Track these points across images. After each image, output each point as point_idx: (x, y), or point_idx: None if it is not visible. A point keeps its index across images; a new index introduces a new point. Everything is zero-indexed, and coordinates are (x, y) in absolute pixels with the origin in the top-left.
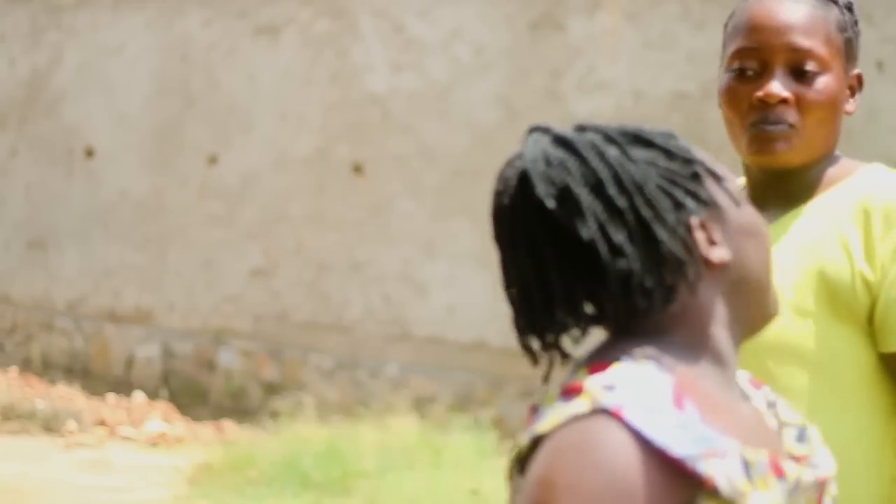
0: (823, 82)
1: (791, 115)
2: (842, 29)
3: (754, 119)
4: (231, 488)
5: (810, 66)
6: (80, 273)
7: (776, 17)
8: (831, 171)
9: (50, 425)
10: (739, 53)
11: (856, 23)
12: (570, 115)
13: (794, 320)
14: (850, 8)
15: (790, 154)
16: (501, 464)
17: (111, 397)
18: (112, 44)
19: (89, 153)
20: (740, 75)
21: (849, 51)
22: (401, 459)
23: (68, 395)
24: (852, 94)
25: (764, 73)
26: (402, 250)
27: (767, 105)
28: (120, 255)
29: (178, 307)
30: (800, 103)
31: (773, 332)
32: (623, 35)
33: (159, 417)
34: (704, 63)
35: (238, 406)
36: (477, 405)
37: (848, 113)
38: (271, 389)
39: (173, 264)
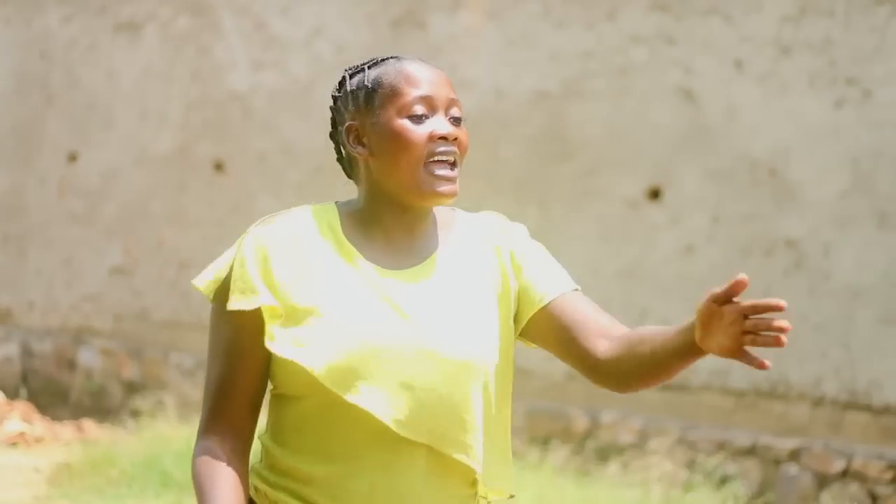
0: (464, 133)
1: (456, 151)
2: None
3: (430, 157)
4: (91, 488)
5: (459, 113)
6: None
7: (432, 73)
8: (438, 210)
9: None
10: (413, 101)
11: None
12: None
13: (484, 338)
14: None
15: (456, 192)
16: None
17: None
18: None
19: None
20: (413, 118)
21: None
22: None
23: None
24: None
25: (433, 118)
26: None
27: (444, 141)
28: None
29: (37, 306)
30: (459, 144)
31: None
32: (484, 34)
33: (18, 417)
34: (565, 62)
35: (98, 405)
36: None
37: None
38: (132, 388)
39: (33, 263)
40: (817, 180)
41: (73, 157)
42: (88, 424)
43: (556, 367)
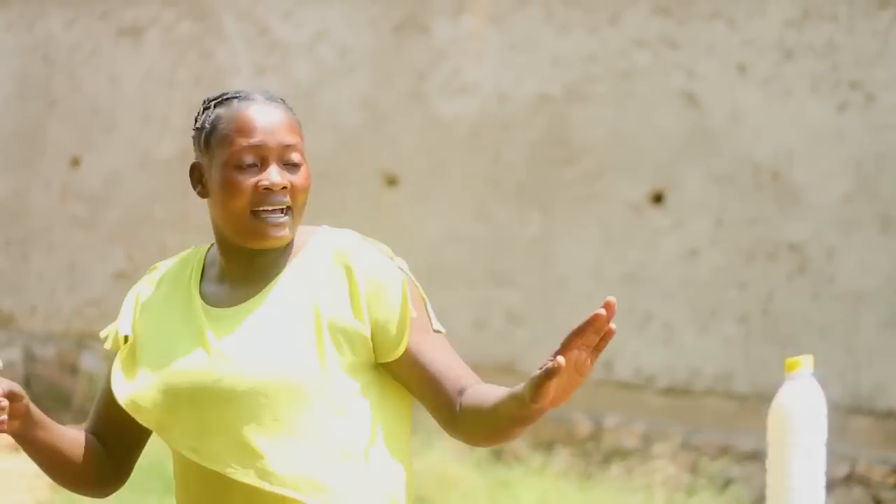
0: (304, 174)
1: (287, 201)
2: (299, 127)
3: (256, 207)
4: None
5: (296, 159)
6: None
7: (268, 119)
8: (295, 241)
9: None
10: (241, 151)
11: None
12: (434, 117)
13: (313, 376)
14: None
15: (287, 236)
16: None
17: None
18: None
19: None
20: (241, 169)
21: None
22: None
23: None
24: None
25: (262, 166)
26: None
27: (270, 192)
28: None
29: (40, 310)
30: (293, 190)
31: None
32: (487, 38)
33: None
34: (568, 66)
35: None
36: None
37: None
38: None
39: (36, 267)
40: (821, 184)
41: (75, 162)
42: None
43: None
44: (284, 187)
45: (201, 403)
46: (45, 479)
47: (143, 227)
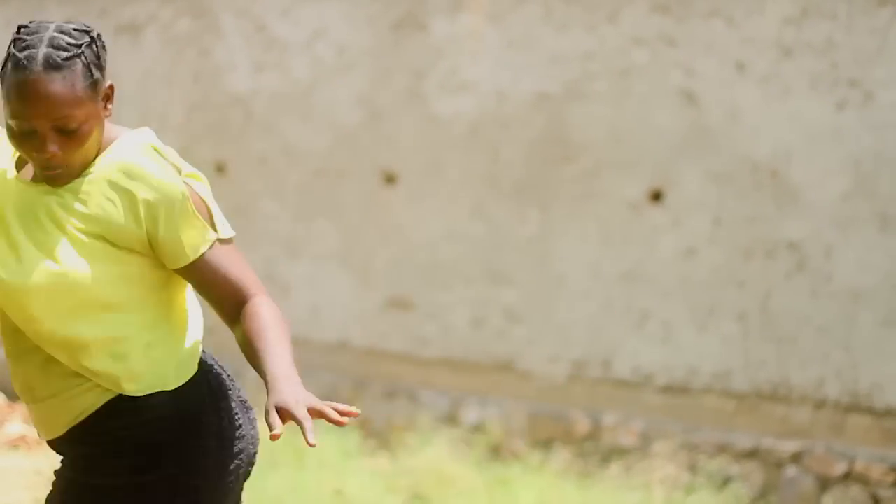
0: (82, 131)
1: (60, 161)
2: (87, 74)
3: (37, 164)
4: None
5: (72, 126)
6: None
7: (37, 97)
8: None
9: None
10: (17, 123)
11: (103, 46)
12: (433, 115)
13: (97, 283)
14: (95, 40)
15: (65, 179)
16: (366, 464)
17: None
18: None
19: None
20: (21, 133)
21: (97, 85)
22: (265, 460)
23: None
24: (109, 102)
25: (37, 135)
26: (265, 250)
27: (44, 157)
28: None
29: None
30: (66, 150)
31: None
32: (485, 36)
33: (20, 420)
34: (567, 64)
35: None
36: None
37: (107, 117)
38: None
39: None
40: (819, 182)
41: None
42: None
43: (558, 369)
44: (56, 156)
45: (12, 294)
46: (43, 477)
47: None
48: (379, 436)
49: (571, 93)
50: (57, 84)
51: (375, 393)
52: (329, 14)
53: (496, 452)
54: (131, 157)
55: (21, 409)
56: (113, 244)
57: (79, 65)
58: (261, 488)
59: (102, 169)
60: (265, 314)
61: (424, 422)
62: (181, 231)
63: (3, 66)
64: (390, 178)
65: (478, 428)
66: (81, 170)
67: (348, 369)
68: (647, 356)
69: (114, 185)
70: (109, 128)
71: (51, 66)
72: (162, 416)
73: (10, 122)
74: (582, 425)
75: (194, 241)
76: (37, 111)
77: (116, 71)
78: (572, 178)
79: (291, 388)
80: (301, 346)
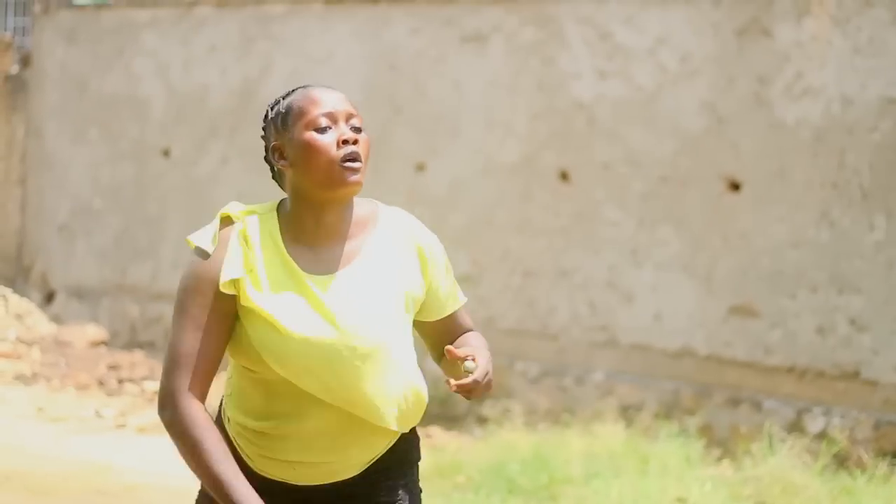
0: (366, 137)
1: (360, 150)
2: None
3: (340, 156)
4: (439, 493)
5: (358, 123)
6: None
7: (331, 95)
8: (361, 210)
9: None
10: (316, 117)
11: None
12: (778, 121)
13: (389, 326)
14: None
15: (360, 182)
16: (709, 472)
17: None
18: (321, 52)
19: None
20: (319, 130)
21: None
22: (607, 466)
23: None
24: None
25: (335, 127)
26: (608, 257)
27: (348, 143)
28: None
29: None
30: (360, 146)
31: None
32: (831, 41)
33: None
34: None
35: (446, 412)
36: (683, 413)
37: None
38: None
39: None
40: None
41: (420, 167)
42: (436, 431)
43: None
44: (356, 140)
45: (332, 362)
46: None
47: (487, 231)
48: (722, 444)
49: None
50: (339, 92)
51: (718, 401)
52: (672, 21)
53: (841, 462)
54: (411, 220)
55: None
56: (411, 305)
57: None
58: (605, 494)
59: (388, 228)
60: (474, 335)
61: (768, 430)
62: (449, 278)
63: (282, 101)
64: (734, 185)
65: (822, 437)
66: (355, 230)
67: (691, 376)
68: None
69: (405, 244)
70: (359, 201)
71: (329, 86)
72: (415, 439)
73: (310, 125)
74: None
75: (452, 296)
76: (331, 104)
77: (461, 80)
78: None
79: (485, 356)
80: (643, 353)
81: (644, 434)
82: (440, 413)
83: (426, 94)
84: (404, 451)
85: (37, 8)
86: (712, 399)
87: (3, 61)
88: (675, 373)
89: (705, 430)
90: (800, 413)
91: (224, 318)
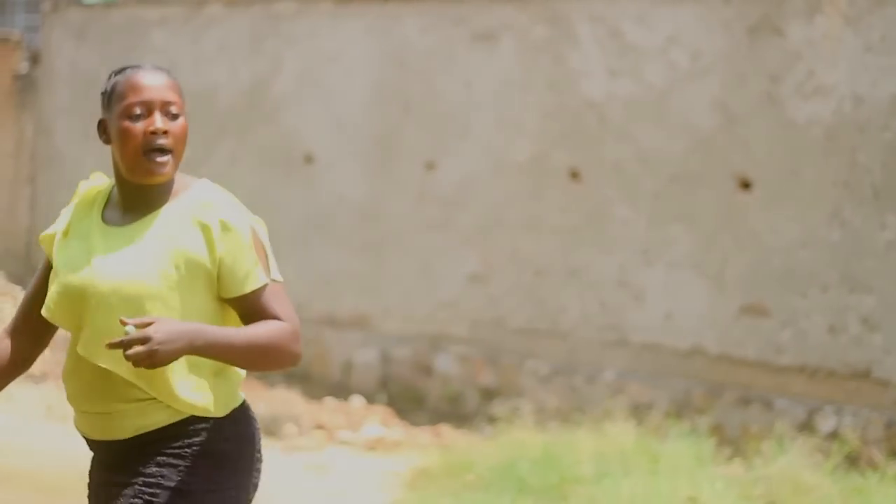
0: (183, 122)
1: (169, 142)
2: (179, 89)
3: (146, 148)
4: (448, 493)
5: (175, 110)
6: (299, 278)
7: (152, 81)
8: (175, 184)
9: (270, 429)
10: (131, 105)
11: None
12: (789, 119)
13: (162, 289)
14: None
15: (168, 173)
16: (719, 471)
17: (330, 401)
18: (331, 51)
19: (308, 160)
20: (132, 118)
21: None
22: (618, 466)
23: (288, 399)
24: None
25: (148, 116)
26: (619, 256)
27: (155, 135)
28: (339, 261)
29: (395, 312)
30: (172, 135)
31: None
32: (843, 39)
33: (377, 422)
34: None
35: (455, 411)
36: (694, 412)
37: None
38: (488, 395)
39: (391, 270)
40: None
41: (430, 166)
42: (445, 429)
43: None
44: (166, 131)
45: (81, 301)
46: (400, 478)
47: (497, 230)
48: (733, 443)
49: None
50: (163, 75)
51: (729, 400)
52: (684, 19)
53: (852, 462)
54: (214, 197)
55: (379, 411)
56: (185, 271)
57: (173, 78)
58: (615, 494)
59: (189, 199)
60: (263, 325)
61: (779, 429)
62: (242, 262)
63: (112, 79)
64: (745, 184)
65: (834, 436)
66: (169, 190)
67: (702, 375)
68: None
69: (197, 215)
70: (181, 176)
71: (158, 67)
72: (228, 435)
73: (125, 111)
74: None
75: (251, 275)
76: (148, 92)
77: (472, 78)
78: None
79: (168, 326)
80: (653, 353)
81: (655, 433)
82: (450, 411)
83: (436, 92)
84: (194, 433)
85: (46, 6)
86: (723, 398)
87: (12, 60)
88: (686, 372)
89: (716, 430)
90: (811, 412)
91: (43, 270)
